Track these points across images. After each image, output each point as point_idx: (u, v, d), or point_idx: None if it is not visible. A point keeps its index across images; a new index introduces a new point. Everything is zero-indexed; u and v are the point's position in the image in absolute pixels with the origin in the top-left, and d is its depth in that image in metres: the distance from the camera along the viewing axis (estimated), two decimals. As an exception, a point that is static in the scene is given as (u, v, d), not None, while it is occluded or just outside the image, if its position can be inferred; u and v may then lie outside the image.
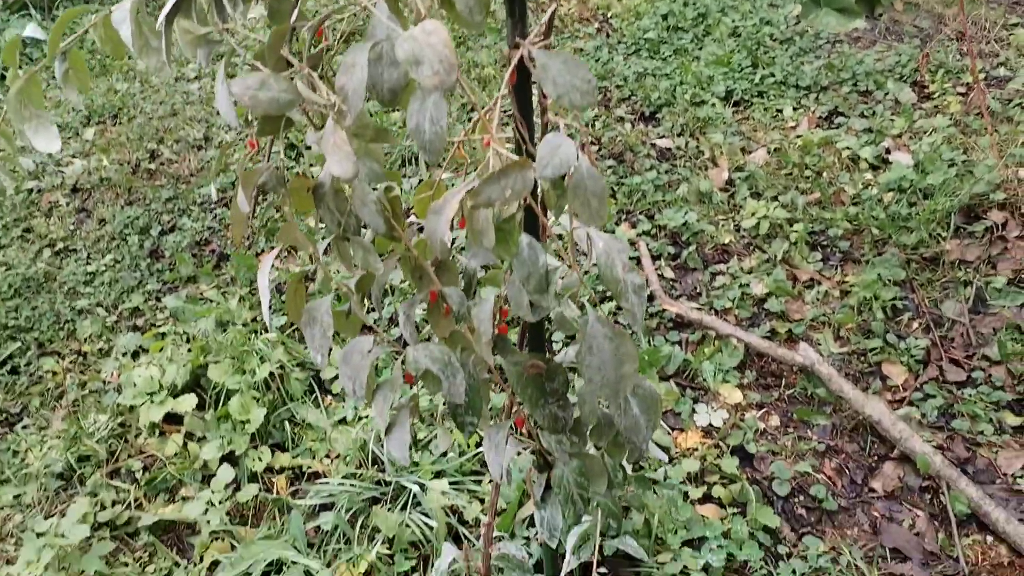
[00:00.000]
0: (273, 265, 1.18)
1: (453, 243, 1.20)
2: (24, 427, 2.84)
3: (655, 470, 2.30)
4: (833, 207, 3.23)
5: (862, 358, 2.66)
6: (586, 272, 3.01)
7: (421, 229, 1.09)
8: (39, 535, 2.33)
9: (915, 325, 2.74)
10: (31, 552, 2.27)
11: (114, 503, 2.51)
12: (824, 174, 3.40)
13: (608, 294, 3.00)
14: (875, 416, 2.37)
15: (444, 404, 2.54)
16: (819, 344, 2.70)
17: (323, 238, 1.10)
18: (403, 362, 1.10)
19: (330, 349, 1.08)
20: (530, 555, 2.09)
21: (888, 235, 3.04)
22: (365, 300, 1.17)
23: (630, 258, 3.15)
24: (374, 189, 1.05)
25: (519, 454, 1.37)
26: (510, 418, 1.33)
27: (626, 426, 1.20)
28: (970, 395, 2.45)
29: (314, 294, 2.72)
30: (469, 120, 3.95)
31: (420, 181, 3.53)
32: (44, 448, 2.70)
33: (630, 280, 0.99)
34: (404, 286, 3.02)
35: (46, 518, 2.46)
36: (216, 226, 3.57)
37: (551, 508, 1.40)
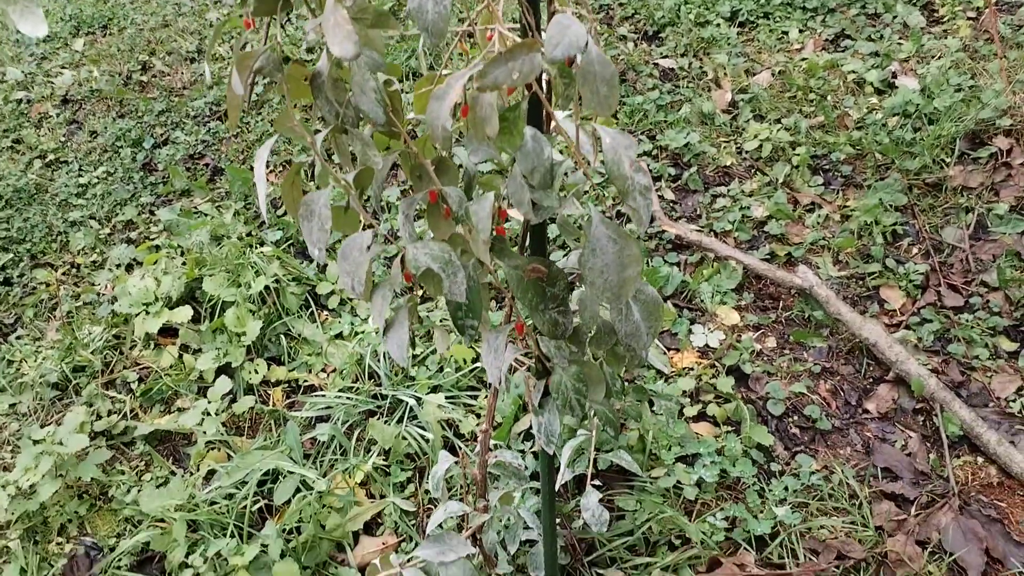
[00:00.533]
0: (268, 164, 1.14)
1: (455, 142, 1.17)
2: (18, 337, 2.83)
3: (654, 383, 2.31)
4: (836, 131, 3.19)
5: (860, 282, 2.65)
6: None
7: (413, 135, 1.06)
8: (36, 442, 2.33)
9: (915, 250, 2.72)
10: (28, 459, 2.28)
11: (110, 413, 2.51)
12: (828, 98, 3.34)
13: (615, 201, 2.97)
14: (872, 339, 2.37)
15: (442, 311, 2.53)
16: (818, 268, 2.69)
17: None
18: (402, 261, 1.08)
19: (328, 245, 1.06)
20: (526, 468, 2.10)
21: (891, 160, 3.00)
22: (364, 196, 1.14)
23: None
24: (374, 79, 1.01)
25: (515, 371, 1.36)
26: (510, 323, 1.31)
27: (627, 332, 1.18)
28: (967, 320, 2.45)
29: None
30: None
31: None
32: (39, 358, 2.70)
33: (637, 179, 0.96)
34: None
35: (42, 427, 2.47)
36: (210, 140, 3.51)
37: (549, 414, 1.39)
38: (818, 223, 2.84)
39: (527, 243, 1.31)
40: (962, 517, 1.98)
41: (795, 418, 2.29)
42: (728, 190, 3.01)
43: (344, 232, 1.15)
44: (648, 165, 3.10)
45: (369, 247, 1.09)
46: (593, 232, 1.00)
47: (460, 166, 1.18)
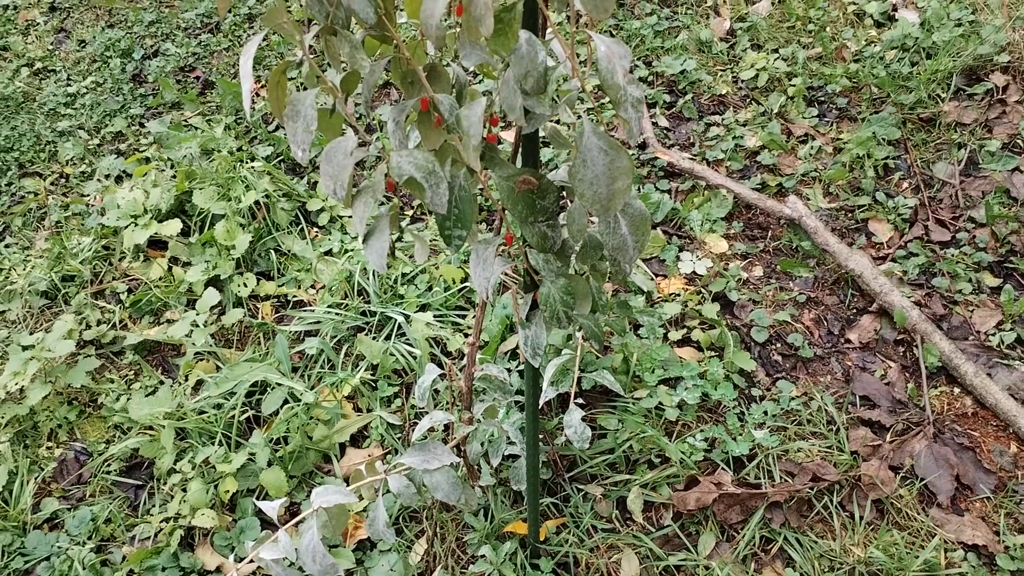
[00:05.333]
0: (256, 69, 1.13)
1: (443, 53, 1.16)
2: (7, 246, 2.82)
3: (641, 306, 2.33)
4: (834, 63, 3.16)
5: (849, 214, 2.66)
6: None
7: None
8: (25, 348, 2.35)
9: (905, 185, 2.73)
10: (17, 364, 2.29)
11: (99, 322, 2.52)
12: (828, 29, 3.30)
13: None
14: (857, 270, 2.39)
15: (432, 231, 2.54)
16: (808, 199, 2.70)
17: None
18: (386, 168, 1.08)
19: (311, 146, 1.05)
20: (511, 384, 2.13)
21: (887, 94, 2.98)
22: (351, 100, 1.13)
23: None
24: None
25: (503, 291, 1.37)
26: (499, 235, 1.32)
27: (614, 245, 1.19)
28: (952, 255, 2.47)
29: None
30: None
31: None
32: (28, 267, 2.70)
33: (630, 91, 0.96)
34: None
35: (31, 334, 2.48)
36: (201, 52, 3.45)
37: (536, 327, 1.41)
38: (810, 155, 2.83)
39: (519, 154, 1.31)
40: (935, 444, 2.03)
41: (778, 345, 2.32)
42: (722, 119, 3.00)
43: (330, 136, 1.14)
44: (643, 91, 3.08)
45: (353, 152, 1.09)
46: (584, 143, 1.00)
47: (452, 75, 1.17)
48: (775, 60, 3.12)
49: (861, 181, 2.71)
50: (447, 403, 2.11)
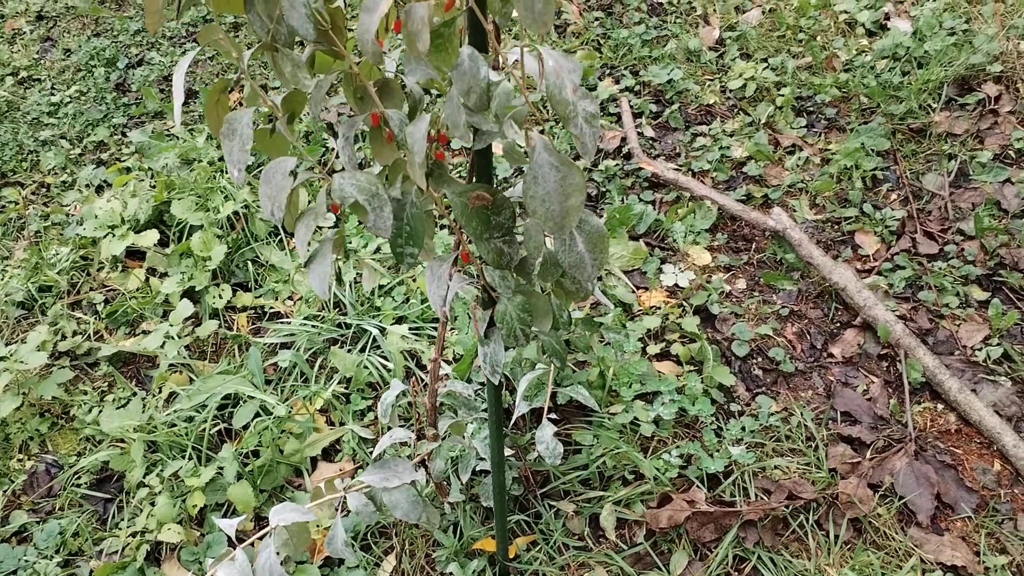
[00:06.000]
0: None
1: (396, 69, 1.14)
2: (-14, 256, 2.81)
3: (620, 319, 2.30)
4: (824, 72, 3.13)
5: (836, 226, 2.62)
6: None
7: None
8: (-1, 360, 2.33)
9: (893, 196, 2.69)
10: (-11, 376, 2.27)
11: (75, 333, 2.50)
12: (818, 38, 3.27)
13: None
14: (841, 283, 2.35)
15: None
16: (794, 210, 2.66)
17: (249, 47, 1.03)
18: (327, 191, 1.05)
19: (248, 165, 1.02)
20: (482, 400, 2.10)
21: (877, 104, 2.95)
22: (293, 120, 1.11)
23: (610, 113, 3.07)
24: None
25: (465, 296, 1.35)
26: (455, 252, 1.29)
27: (570, 263, 1.16)
28: (940, 268, 2.43)
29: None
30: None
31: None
32: (5, 277, 2.67)
33: (581, 106, 0.93)
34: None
35: (7, 345, 2.46)
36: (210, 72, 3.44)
37: (494, 344, 1.38)
38: (797, 165, 2.80)
39: (474, 172, 1.28)
40: (916, 462, 1.98)
41: (759, 360, 2.28)
42: (709, 129, 2.97)
43: (273, 156, 1.12)
44: (630, 101, 3.05)
45: (294, 173, 1.06)
46: (536, 159, 0.97)
47: (405, 88, 1.15)
48: (764, 69, 3.09)
49: (848, 193, 2.68)
50: (414, 419, 2.08)
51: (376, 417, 2.18)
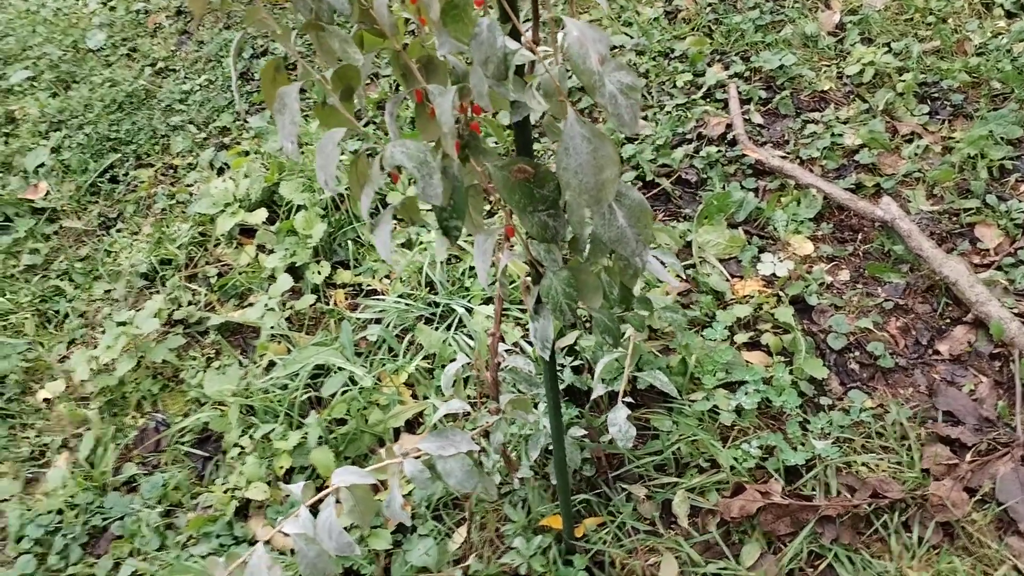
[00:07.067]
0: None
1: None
2: (118, 231, 3.02)
3: (712, 306, 2.25)
4: (953, 57, 2.94)
5: (954, 218, 2.47)
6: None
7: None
8: (119, 324, 2.50)
9: (1022, 188, 2.50)
10: (110, 339, 2.45)
11: (189, 303, 2.66)
12: (949, 21, 3.08)
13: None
14: (952, 276, 2.21)
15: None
16: (908, 201, 2.52)
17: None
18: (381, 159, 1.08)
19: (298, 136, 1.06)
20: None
21: (1011, 89, 2.75)
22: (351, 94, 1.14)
23: (717, 99, 2.99)
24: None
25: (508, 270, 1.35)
26: (500, 226, 1.30)
27: (610, 238, 1.13)
28: (1068, 264, 2.24)
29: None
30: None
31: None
32: (133, 251, 2.87)
33: (616, 77, 0.91)
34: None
35: (130, 311, 2.64)
36: (304, 51, 3.58)
37: (543, 319, 1.38)
38: (915, 154, 2.64)
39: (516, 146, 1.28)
40: (1023, 468, 1.84)
41: (856, 354, 2.17)
42: (822, 116, 2.84)
43: (330, 128, 1.15)
44: (738, 87, 2.96)
45: (343, 141, 1.09)
46: (567, 131, 0.96)
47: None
48: (884, 54, 2.93)
49: (971, 183, 2.51)
50: (476, 393, 2.10)
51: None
